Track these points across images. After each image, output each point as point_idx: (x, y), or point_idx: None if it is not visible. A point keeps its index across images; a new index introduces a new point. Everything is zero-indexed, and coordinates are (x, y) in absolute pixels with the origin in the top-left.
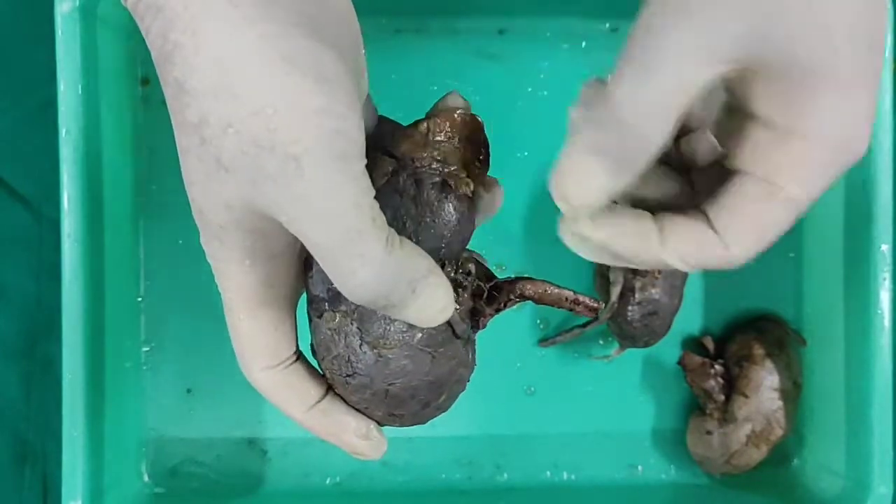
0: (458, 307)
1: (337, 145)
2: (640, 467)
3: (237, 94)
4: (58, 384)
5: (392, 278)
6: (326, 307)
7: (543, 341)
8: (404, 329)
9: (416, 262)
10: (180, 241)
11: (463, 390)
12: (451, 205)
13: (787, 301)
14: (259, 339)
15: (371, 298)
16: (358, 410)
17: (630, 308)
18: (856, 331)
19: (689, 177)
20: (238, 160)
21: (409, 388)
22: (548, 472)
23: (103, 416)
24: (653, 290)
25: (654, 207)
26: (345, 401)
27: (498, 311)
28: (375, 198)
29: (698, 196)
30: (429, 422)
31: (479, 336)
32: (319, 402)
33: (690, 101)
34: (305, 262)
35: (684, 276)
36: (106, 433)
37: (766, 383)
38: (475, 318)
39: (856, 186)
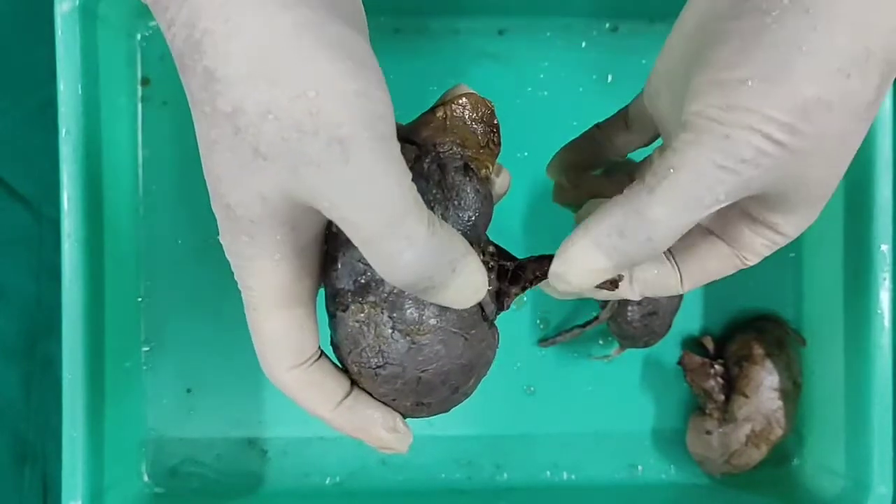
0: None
1: (378, 128)
2: (640, 467)
3: (276, 79)
4: (58, 384)
5: (435, 258)
6: (352, 299)
7: (543, 341)
8: (437, 313)
9: (455, 242)
10: (180, 241)
11: (487, 374)
12: (474, 187)
13: (787, 301)
14: (285, 338)
15: (415, 280)
16: (384, 403)
17: (630, 308)
18: (856, 331)
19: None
20: (278, 147)
21: (442, 374)
22: (548, 472)
23: (103, 416)
24: None
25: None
26: (370, 394)
27: (524, 289)
28: None
29: None
30: (451, 409)
31: None
32: (345, 398)
33: None
34: (328, 257)
35: None
36: (106, 433)
37: (765, 383)
38: (499, 299)
39: (856, 186)
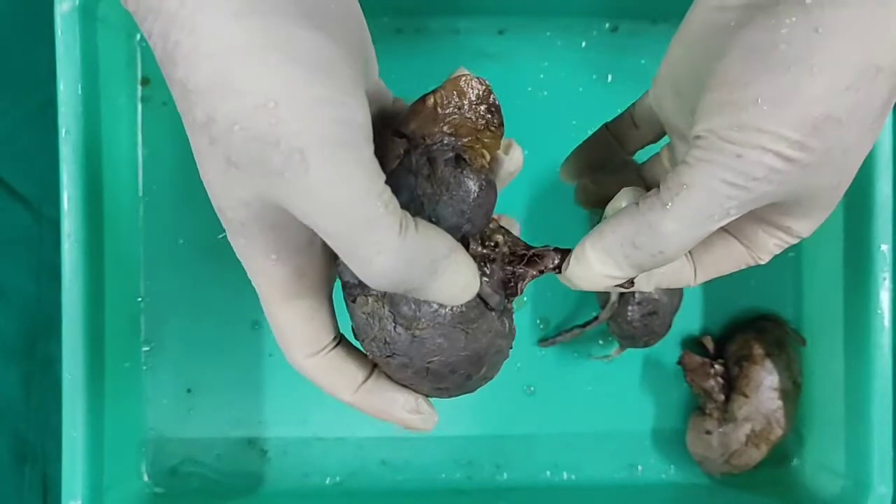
0: (487, 280)
1: (340, 134)
2: (640, 467)
3: (238, 89)
4: (58, 384)
5: (409, 263)
6: (358, 292)
7: (543, 341)
8: (434, 309)
9: (434, 243)
10: (180, 241)
11: (506, 359)
12: (468, 179)
13: (787, 301)
14: (297, 330)
15: (390, 284)
16: (405, 386)
17: (630, 308)
18: (856, 331)
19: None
20: (246, 157)
21: (448, 365)
22: (548, 472)
23: (103, 416)
24: (652, 290)
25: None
26: (390, 378)
27: (541, 272)
28: (390, 181)
29: None
30: (477, 390)
31: None
32: (365, 381)
33: None
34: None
35: None
36: (106, 433)
37: (765, 383)
38: (510, 285)
39: (856, 186)
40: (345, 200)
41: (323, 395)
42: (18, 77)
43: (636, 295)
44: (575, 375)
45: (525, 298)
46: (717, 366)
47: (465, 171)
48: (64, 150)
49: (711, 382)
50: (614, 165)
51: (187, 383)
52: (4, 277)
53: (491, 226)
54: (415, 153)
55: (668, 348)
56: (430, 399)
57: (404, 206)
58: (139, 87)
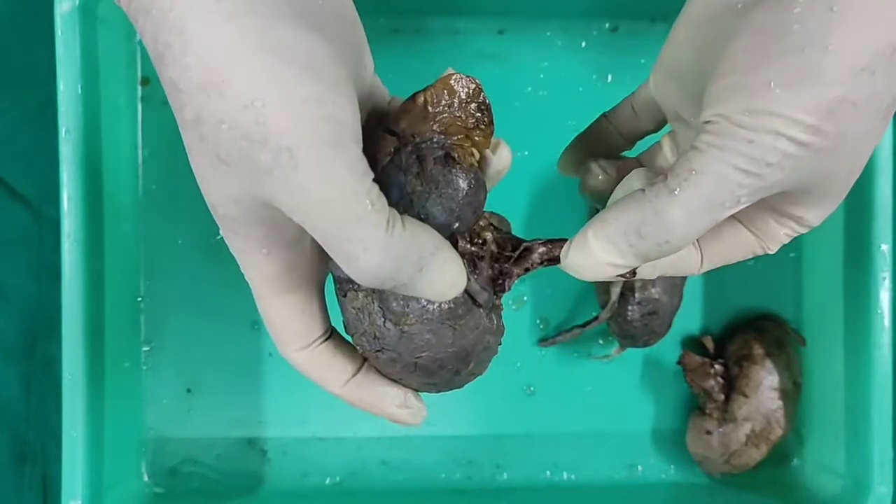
0: (475, 277)
1: (328, 132)
2: (639, 467)
3: (225, 90)
4: (58, 384)
5: (395, 260)
6: (349, 287)
7: (543, 341)
8: (423, 305)
9: (421, 241)
10: (180, 241)
11: (494, 355)
12: (457, 178)
13: (787, 301)
14: (288, 323)
15: (377, 281)
16: (394, 380)
17: (630, 308)
18: (856, 331)
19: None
20: (235, 155)
21: (436, 360)
22: (548, 472)
23: (103, 416)
24: (652, 290)
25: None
26: (380, 372)
27: (527, 270)
28: (380, 178)
29: None
30: (465, 385)
31: None
32: (355, 375)
33: None
34: None
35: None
36: (106, 433)
37: (765, 383)
38: (498, 283)
39: (856, 186)
40: (332, 198)
41: (323, 395)
42: (18, 77)
43: (636, 295)
44: (575, 375)
45: (525, 298)
46: (717, 366)
47: (454, 170)
48: (64, 150)
49: (711, 382)
50: (614, 156)
51: (187, 383)
52: (4, 277)
53: (480, 223)
54: (405, 151)
55: (668, 348)
56: (419, 394)
57: (394, 203)
58: (139, 87)
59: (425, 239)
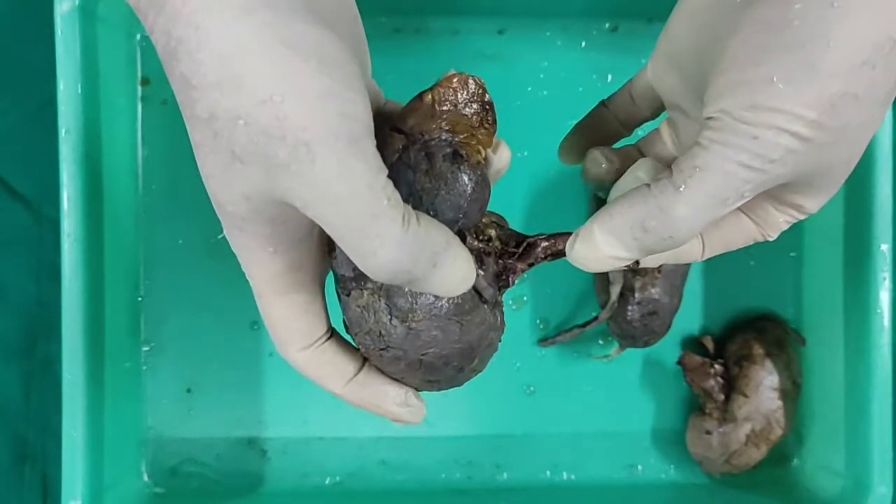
0: (481, 273)
1: (345, 128)
2: (639, 467)
3: (242, 85)
4: (58, 384)
5: (411, 255)
6: (353, 285)
7: (543, 341)
8: (431, 301)
9: (435, 236)
10: (180, 241)
11: (495, 352)
12: (464, 175)
13: (787, 301)
14: (291, 323)
15: (392, 276)
16: (395, 379)
17: (630, 308)
18: (856, 331)
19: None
20: (251, 151)
21: (442, 357)
22: (548, 472)
23: (103, 416)
24: (652, 290)
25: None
26: (381, 371)
27: (531, 265)
28: (389, 175)
29: None
30: (465, 384)
31: None
32: (356, 375)
33: None
34: (329, 243)
35: (684, 275)
36: (105, 433)
37: (765, 383)
38: (502, 278)
39: (856, 186)
40: (350, 193)
41: (323, 395)
42: (18, 77)
43: (636, 295)
44: (575, 375)
45: (525, 298)
46: (716, 366)
47: (462, 167)
48: (64, 150)
49: (711, 382)
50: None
51: (187, 383)
52: (4, 277)
53: (484, 220)
54: (413, 149)
55: (668, 348)
56: (419, 392)
57: (403, 199)
58: (139, 87)
59: (438, 234)
